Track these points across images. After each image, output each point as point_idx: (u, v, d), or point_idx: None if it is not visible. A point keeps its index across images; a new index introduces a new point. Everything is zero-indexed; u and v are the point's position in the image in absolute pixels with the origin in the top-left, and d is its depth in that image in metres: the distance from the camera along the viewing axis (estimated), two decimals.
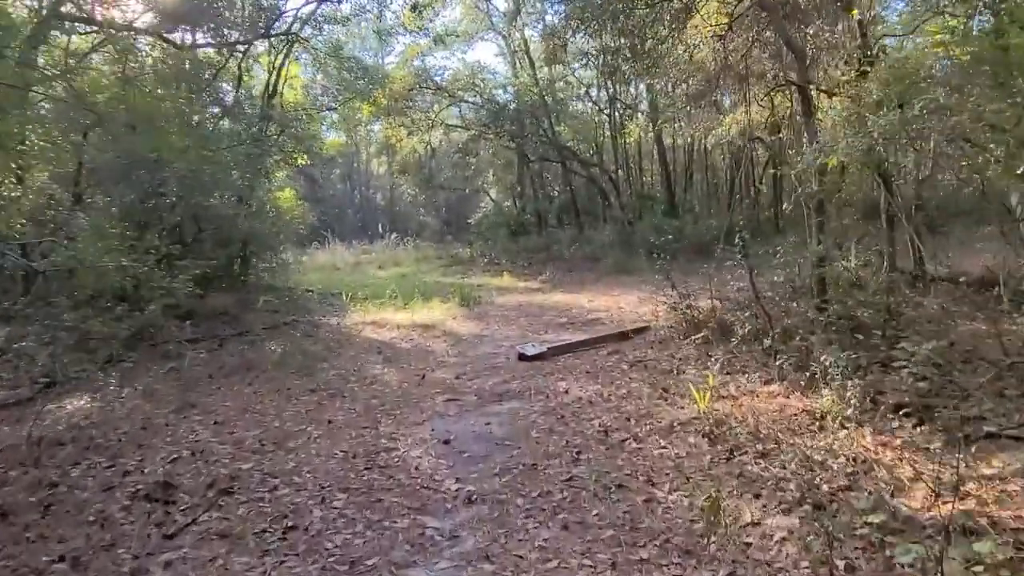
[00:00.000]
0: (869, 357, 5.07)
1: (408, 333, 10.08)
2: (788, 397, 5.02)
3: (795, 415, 4.60)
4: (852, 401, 4.34)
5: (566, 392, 6.19)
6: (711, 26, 9.36)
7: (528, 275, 17.53)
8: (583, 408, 5.63)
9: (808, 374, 5.20)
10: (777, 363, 5.42)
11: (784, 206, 24.96)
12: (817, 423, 4.42)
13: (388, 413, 5.97)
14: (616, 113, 23.74)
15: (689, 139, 24.41)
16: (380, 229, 33.28)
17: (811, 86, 7.63)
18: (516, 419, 5.53)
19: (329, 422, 5.73)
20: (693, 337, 7.39)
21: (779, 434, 4.33)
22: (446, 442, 5.07)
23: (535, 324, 10.50)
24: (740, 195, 21.19)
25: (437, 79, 23.73)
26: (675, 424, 4.84)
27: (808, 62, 7.27)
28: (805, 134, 7.42)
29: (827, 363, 4.92)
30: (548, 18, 20.71)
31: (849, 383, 4.50)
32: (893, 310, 6.13)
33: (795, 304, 7.78)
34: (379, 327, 10.74)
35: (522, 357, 7.95)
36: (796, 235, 17.70)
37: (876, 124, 4.61)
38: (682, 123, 16.42)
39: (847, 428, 4.21)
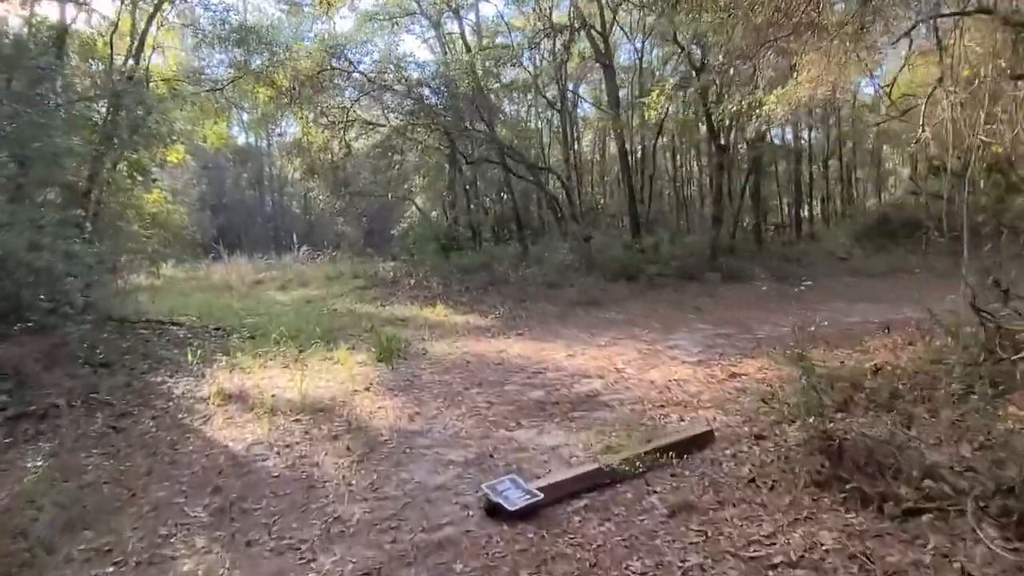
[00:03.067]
0: None
1: (287, 428, 5.95)
2: None
3: None
4: None
5: None
6: None
7: (468, 306, 13.54)
8: None
9: None
10: None
11: (767, 219, 21.96)
12: None
13: None
14: (568, 110, 20.24)
15: (646, 141, 21.27)
16: (295, 240, 28.83)
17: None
18: None
19: None
20: (886, 511, 3.50)
21: None
22: None
23: (498, 404, 6.56)
24: (723, 206, 17.88)
25: (354, 63, 19.55)
26: None
27: None
28: None
29: None
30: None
31: None
32: None
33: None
34: (243, 409, 6.58)
35: (495, 511, 4.03)
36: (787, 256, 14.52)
37: None
38: (723, 93, 12.11)
39: None
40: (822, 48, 6.63)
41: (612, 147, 28.38)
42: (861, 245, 17.48)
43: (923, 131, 6.09)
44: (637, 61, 22.72)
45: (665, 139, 21.83)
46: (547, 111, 22.37)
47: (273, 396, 6.89)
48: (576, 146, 22.57)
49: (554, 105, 20.14)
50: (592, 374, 7.51)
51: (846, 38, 6.68)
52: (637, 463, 4.52)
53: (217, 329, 11.21)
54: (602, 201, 27.24)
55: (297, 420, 6.11)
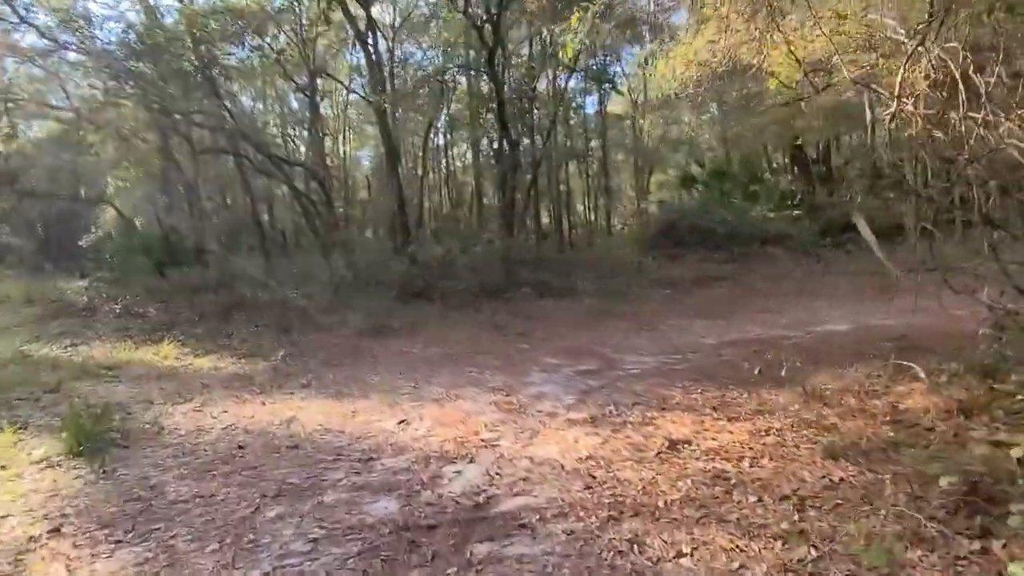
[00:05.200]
0: None
1: None
2: None
3: None
4: None
5: None
6: None
7: (210, 341, 9.86)
8: None
9: None
10: None
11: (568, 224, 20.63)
12: None
13: None
14: (317, 98, 17.08)
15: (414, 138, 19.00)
16: None
17: None
18: None
19: None
20: None
21: None
22: None
23: (328, 542, 3.62)
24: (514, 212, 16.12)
25: (22, 14, 14.29)
26: None
27: None
28: None
29: None
30: None
31: None
32: None
33: None
34: None
35: None
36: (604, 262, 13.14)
37: None
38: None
39: None
40: None
41: (355, 144, 25.83)
42: (651, 254, 16.99)
43: (898, 105, 4.55)
44: (389, 52, 20.50)
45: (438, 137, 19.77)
46: (289, 98, 18.94)
47: None
48: (324, 141, 19.46)
49: (304, 90, 16.83)
50: (454, 455, 4.88)
51: None
52: None
53: None
54: (341, 208, 24.46)
55: None
